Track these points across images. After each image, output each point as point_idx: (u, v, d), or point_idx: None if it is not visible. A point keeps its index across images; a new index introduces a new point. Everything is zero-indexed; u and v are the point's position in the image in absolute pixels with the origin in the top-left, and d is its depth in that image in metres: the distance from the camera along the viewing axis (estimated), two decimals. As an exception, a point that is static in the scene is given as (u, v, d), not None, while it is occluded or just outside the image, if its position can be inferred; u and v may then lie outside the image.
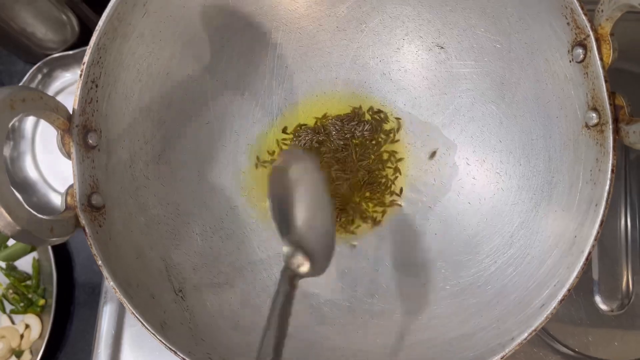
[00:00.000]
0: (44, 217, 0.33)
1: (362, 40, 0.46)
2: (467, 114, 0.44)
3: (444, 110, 0.45)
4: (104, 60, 0.38)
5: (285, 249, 0.34)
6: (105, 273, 0.35)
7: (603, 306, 0.47)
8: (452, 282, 0.41)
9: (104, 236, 0.36)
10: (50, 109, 0.34)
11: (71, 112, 0.36)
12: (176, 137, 0.44)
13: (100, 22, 0.37)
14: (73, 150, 0.36)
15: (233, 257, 0.43)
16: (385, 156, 0.46)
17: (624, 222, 0.49)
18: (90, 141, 0.37)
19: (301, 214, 0.35)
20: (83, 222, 0.35)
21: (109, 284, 0.35)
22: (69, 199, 0.36)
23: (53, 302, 0.59)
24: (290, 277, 0.33)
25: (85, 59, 0.36)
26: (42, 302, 0.62)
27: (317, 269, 0.34)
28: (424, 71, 0.45)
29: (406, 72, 0.46)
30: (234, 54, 0.45)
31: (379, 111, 0.47)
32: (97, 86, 0.37)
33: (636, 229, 0.49)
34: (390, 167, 0.46)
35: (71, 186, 0.36)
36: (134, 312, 0.34)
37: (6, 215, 0.30)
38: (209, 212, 0.44)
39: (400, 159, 0.46)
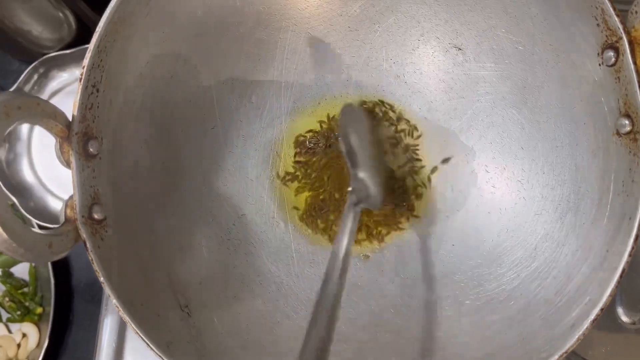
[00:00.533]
0: (42, 232, 0.31)
1: (376, 41, 0.44)
2: (486, 119, 0.42)
3: (462, 115, 0.43)
4: (105, 63, 0.35)
5: (359, 175, 0.39)
6: (107, 290, 0.33)
7: (625, 318, 0.45)
8: (472, 297, 0.39)
9: (106, 251, 0.34)
10: (47, 116, 0.32)
11: (70, 119, 0.34)
12: (180, 143, 0.42)
13: (101, 23, 0.35)
14: (73, 159, 0.34)
15: (241, 270, 0.42)
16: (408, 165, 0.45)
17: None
18: (91, 149, 0.35)
19: (365, 154, 0.40)
20: (84, 235, 0.33)
21: (112, 302, 0.33)
22: (68, 211, 0.34)
23: (51, 310, 0.58)
24: (354, 204, 0.38)
25: (85, 62, 0.34)
26: (39, 310, 0.60)
27: (374, 202, 0.39)
28: (441, 73, 0.43)
29: (422, 74, 0.44)
30: (241, 56, 0.43)
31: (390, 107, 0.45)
32: (97, 91, 0.35)
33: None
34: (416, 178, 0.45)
35: (70, 197, 0.34)
36: (139, 332, 0.32)
37: (1, 232, 0.28)
38: (215, 222, 0.42)
39: (421, 167, 0.45)
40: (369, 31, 0.44)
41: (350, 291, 0.41)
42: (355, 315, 0.40)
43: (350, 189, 0.39)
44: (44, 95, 0.63)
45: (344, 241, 0.35)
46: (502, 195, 0.41)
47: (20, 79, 0.61)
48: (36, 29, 0.60)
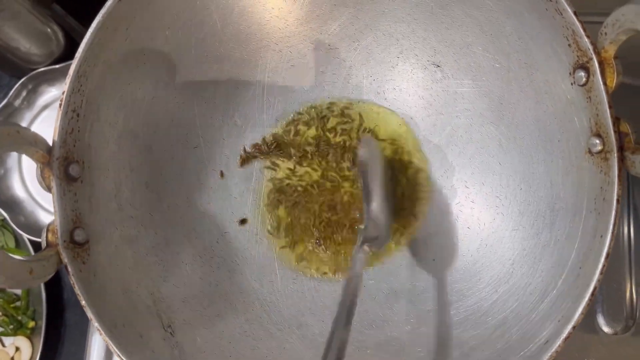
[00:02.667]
0: (22, 258, 0.31)
1: (355, 58, 0.45)
2: (464, 135, 0.42)
3: (441, 131, 0.43)
4: (85, 88, 0.36)
5: (372, 214, 0.39)
6: (89, 314, 0.33)
7: (606, 329, 0.45)
8: (451, 312, 0.39)
9: (87, 274, 0.35)
10: (28, 143, 0.33)
11: (51, 144, 0.34)
12: (163, 163, 0.42)
13: (80, 49, 0.35)
14: (54, 184, 0.34)
15: (224, 287, 0.42)
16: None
17: (627, 229, 0.48)
18: (72, 173, 0.35)
19: (379, 192, 0.40)
20: (65, 260, 0.34)
21: (93, 325, 0.33)
22: (49, 235, 0.34)
23: (43, 324, 0.58)
24: (363, 242, 0.37)
25: (65, 87, 0.35)
26: (31, 324, 0.60)
27: (380, 242, 0.39)
28: (420, 90, 0.44)
29: (401, 91, 0.44)
30: (222, 76, 0.44)
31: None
32: (78, 115, 0.36)
33: (640, 236, 0.47)
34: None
35: (52, 222, 0.34)
36: (120, 354, 0.33)
37: (-19, 261, 0.28)
38: (199, 240, 0.43)
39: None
40: (349, 49, 0.44)
41: (332, 308, 0.42)
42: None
43: (362, 226, 0.40)
44: (34, 110, 0.64)
45: (354, 283, 0.35)
46: (481, 211, 0.42)
47: (10, 94, 0.62)
48: (24, 45, 0.60)
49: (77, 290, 0.33)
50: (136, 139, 0.41)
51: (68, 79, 0.35)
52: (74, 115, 0.36)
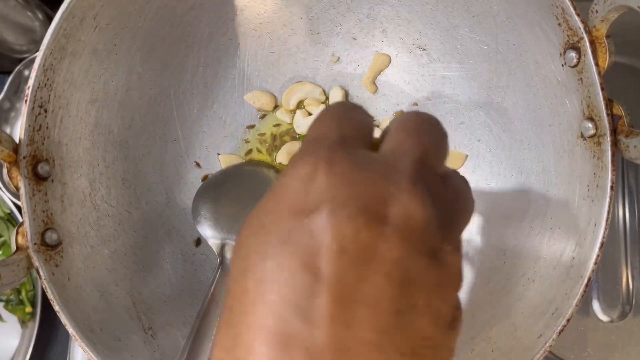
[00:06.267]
0: (-11, 264, 0.30)
1: (338, 43, 0.43)
2: (453, 120, 0.41)
3: (429, 117, 0.42)
4: (53, 81, 0.34)
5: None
6: (63, 319, 0.32)
7: (603, 316, 0.44)
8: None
9: (61, 277, 0.33)
10: (-9, 142, 0.31)
11: (17, 142, 0.33)
12: (141, 158, 0.41)
13: (45, 41, 0.33)
14: (22, 184, 0.32)
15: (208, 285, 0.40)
16: None
17: (622, 212, 0.47)
18: (42, 172, 0.34)
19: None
20: (36, 264, 0.32)
21: (68, 330, 0.32)
22: (19, 238, 0.33)
23: (37, 320, 0.57)
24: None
25: (30, 82, 0.33)
26: (29, 309, 0.59)
27: None
28: (406, 75, 0.42)
29: (386, 76, 0.43)
30: (199, 64, 0.42)
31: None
32: (46, 111, 0.34)
33: (635, 219, 0.46)
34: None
35: (21, 224, 0.33)
36: (97, 360, 0.32)
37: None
38: (179, 237, 0.41)
39: None
40: (331, 33, 0.42)
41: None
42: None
43: None
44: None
45: None
46: (472, 199, 0.40)
47: (6, 86, 0.60)
48: (10, 36, 0.59)
49: (49, 295, 0.32)
50: (110, 134, 0.39)
51: (33, 73, 0.33)
52: (41, 111, 0.34)
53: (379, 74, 0.43)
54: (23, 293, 0.59)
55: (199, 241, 0.42)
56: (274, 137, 0.43)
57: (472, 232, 0.39)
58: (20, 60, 0.60)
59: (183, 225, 0.42)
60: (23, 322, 0.59)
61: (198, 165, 0.43)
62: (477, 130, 0.40)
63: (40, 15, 0.59)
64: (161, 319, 0.37)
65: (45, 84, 0.34)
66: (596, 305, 0.45)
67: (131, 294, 0.37)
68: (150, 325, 0.37)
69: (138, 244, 0.39)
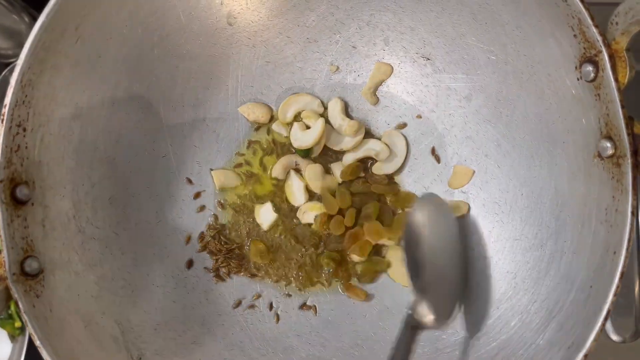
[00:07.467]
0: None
1: (337, 52, 0.40)
2: (459, 134, 0.39)
3: (433, 130, 0.39)
4: (32, 98, 0.32)
5: (413, 295, 0.34)
6: (44, 355, 0.30)
7: (614, 336, 0.42)
8: (449, 331, 0.36)
9: (42, 309, 0.31)
10: (-36, 167, 0.29)
11: (-6, 165, 0.31)
12: (129, 175, 0.39)
13: (22, 56, 0.31)
14: (-1, 210, 0.30)
15: (201, 310, 0.39)
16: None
17: (636, 226, 0.44)
18: (20, 196, 0.32)
19: (432, 260, 0.35)
20: (15, 295, 0.30)
21: (50, 366, 0.30)
22: (-3, 268, 0.30)
23: (25, 340, 0.55)
24: (412, 327, 0.33)
25: (7, 100, 0.31)
26: (18, 324, 0.57)
27: (440, 321, 0.33)
28: (409, 86, 0.40)
29: (388, 87, 0.40)
30: (190, 76, 0.40)
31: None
32: (25, 130, 0.32)
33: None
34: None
35: (-1, 253, 0.30)
36: (81, 399, 0.29)
37: None
38: (170, 259, 0.39)
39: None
40: (330, 42, 0.40)
41: (321, 328, 0.39)
42: (326, 354, 0.38)
43: (409, 311, 0.33)
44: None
45: None
46: (478, 217, 0.38)
47: None
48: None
49: (29, 329, 0.30)
50: (96, 151, 0.37)
51: (10, 90, 0.31)
52: (19, 130, 0.32)
53: (380, 85, 0.41)
54: (12, 307, 0.57)
55: (191, 262, 0.40)
56: (269, 150, 0.41)
57: (480, 252, 0.37)
58: (7, 65, 0.58)
59: (174, 245, 0.40)
60: (12, 337, 0.58)
61: (190, 181, 0.41)
62: (484, 144, 0.38)
63: (26, 18, 0.57)
64: (152, 348, 0.35)
65: (24, 101, 0.32)
66: (608, 325, 0.43)
67: (119, 322, 0.35)
68: (139, 355, 0.35)
69: (126, 267, 0.37)
